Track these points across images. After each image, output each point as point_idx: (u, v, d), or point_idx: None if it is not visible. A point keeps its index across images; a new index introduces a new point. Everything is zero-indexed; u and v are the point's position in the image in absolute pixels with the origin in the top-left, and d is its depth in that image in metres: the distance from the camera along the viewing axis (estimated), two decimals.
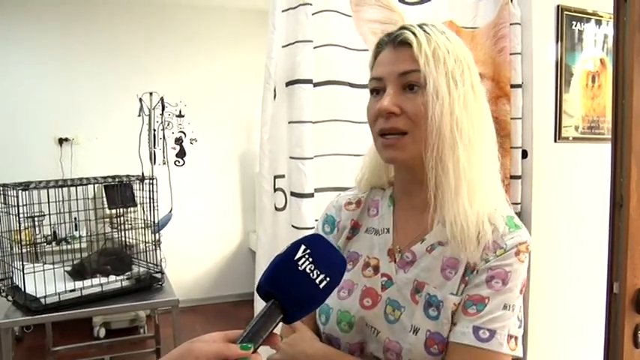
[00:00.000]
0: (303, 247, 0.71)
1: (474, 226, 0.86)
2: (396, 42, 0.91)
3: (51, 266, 2.31)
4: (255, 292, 0.74)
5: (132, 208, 2.79)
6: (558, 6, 1.94)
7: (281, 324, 0.73)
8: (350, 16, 1.76)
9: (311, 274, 0.69)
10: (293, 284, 0.69)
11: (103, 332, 4.05)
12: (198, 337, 0.66)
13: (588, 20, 1.99)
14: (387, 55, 0.92)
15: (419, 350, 0.87)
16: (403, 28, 0.92)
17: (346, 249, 1.04)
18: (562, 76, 1.95)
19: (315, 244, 0.73)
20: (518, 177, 1.93)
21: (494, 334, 0.84)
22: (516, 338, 0.86)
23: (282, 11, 1.71)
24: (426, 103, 0.86)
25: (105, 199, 3.10)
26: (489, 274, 0.86)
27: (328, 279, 0.70)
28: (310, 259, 0.70)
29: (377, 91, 0.93)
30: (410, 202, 0.98)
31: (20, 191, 2.16)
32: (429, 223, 0.93)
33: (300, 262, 0.69)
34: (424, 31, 0.89)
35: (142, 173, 2.85)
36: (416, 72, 0.87)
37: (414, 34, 0.89)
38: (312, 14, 1.66)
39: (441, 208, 0.89)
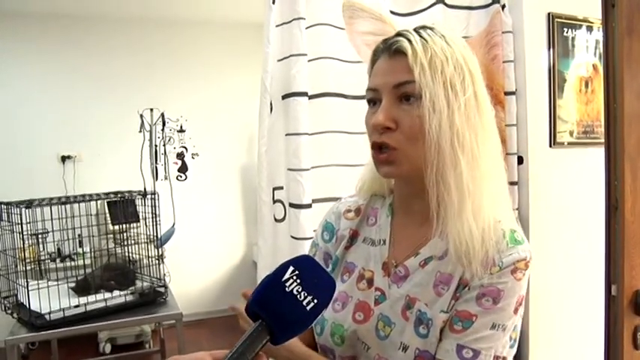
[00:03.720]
0: (291, 269, 0.69)
1: (479, 243, 0.83)
2: (391, 50, 0.87)
3: (55, 283, 2.33)
4: None
5: (135, 224, 2.82)
6: (549, 13, 1.97)
7: None
8: (343, 28, 1.79)
9: (298, 296, 0.68)
10: (280, 306, 0.67)
11: (108, 348, 4.05)
12: (183, 355, 0.66)
13: (579, 27, 2.02)
14: (383, 64, 0.89)
15: None
16: (399, 34, 0.87)
17: (344, 259, 1.02)
18: (555, 82, 1.97)
19: (303, 265, 0.72)
20: (515, 183, 1.94)
21: (479, 355, 0.82)
22: (504, 359, 0.85)
23: (277, 26, 1.74)
24: (423, 116, 0.82)
25: (108, 215, 3.14)
26: (481, 292, 0.83)
27: (316, 301, 0.69)
28: (298, 281, 0.68)
29: (374, 102, 0.90)
30: (409, 214, 0.96)
31: (24, 209, 2.19)
32: (427, 236, 0.90)
33: (287, 284, 0.68)
34: (421, 36, 0.85)
35: (144, 189, 2.87)
36: (411, 83, 0.83)
37: (409, 41, 0.84)
38: (306, 28, 1.69)
39: (444, 225, 0.86)
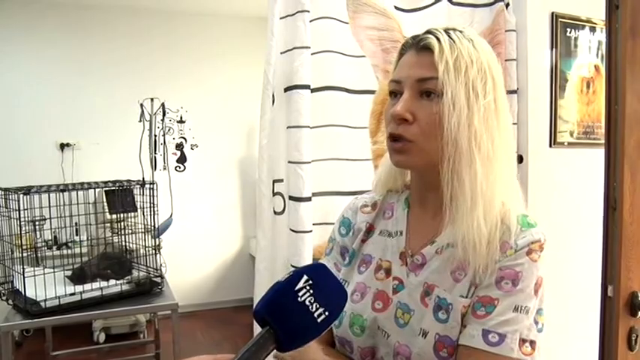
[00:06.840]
0: (305, 278, 0.67)
1: (486, 240, 0.85)
2: (419, 46, 0.89)
3: (51, 270, 2.32)
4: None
5: (132, 213, 2.82)
6: (553, 13, 1.97)
7: None
8: (347, 22, 1.79)
9: (310, 307, 0.66)
10: (290, 315, 0.65)
11: (102, 337, 4.06)
12: (188, 358, 0.66)
13: (582, 27, 2.02)
14: (409, 58, 0.91)
15: (428, 354, 0.86)
16: (429, 32, 0.89)
17: (360, 252, 1.04)
18: (557, 82, 1.98)
19: (318, 275, 0.69)
20: None
21: (505, 338, 0.82)
22: (532, 342, 0.84)
23: (281, 18, 1.74)
24: (442, 112, 0.84)
25: (105, 204, 3.13)
26: (499, 275, 0.85)
27: (327, 313, 0.66)
28: (311, 291, 0.66)
29: (395, 94, 0.92)
30: (423, 206, 0.98)
31: (22, 195, 2.18)
32: (441, 226, 0.92)
33: (300, 293, 0.66)
34: (449, 37, 0.87)
35: (143, 178, 2.86)
36: (434, 79, 0.85)
37: (437, 39, 0.86)
38: (310, 21, 1.69)
39: (454, 222, 0.87)
